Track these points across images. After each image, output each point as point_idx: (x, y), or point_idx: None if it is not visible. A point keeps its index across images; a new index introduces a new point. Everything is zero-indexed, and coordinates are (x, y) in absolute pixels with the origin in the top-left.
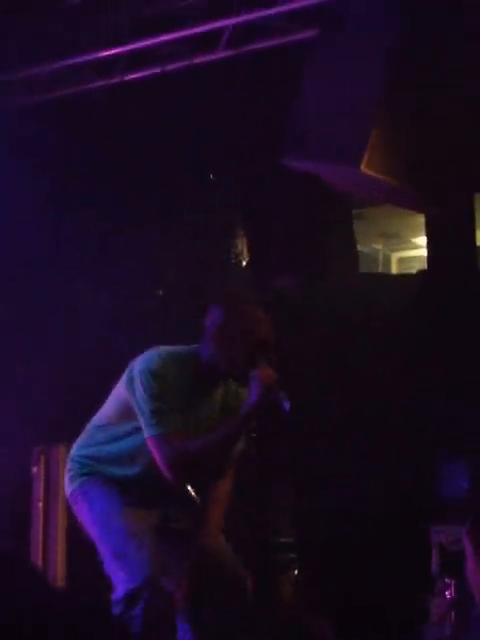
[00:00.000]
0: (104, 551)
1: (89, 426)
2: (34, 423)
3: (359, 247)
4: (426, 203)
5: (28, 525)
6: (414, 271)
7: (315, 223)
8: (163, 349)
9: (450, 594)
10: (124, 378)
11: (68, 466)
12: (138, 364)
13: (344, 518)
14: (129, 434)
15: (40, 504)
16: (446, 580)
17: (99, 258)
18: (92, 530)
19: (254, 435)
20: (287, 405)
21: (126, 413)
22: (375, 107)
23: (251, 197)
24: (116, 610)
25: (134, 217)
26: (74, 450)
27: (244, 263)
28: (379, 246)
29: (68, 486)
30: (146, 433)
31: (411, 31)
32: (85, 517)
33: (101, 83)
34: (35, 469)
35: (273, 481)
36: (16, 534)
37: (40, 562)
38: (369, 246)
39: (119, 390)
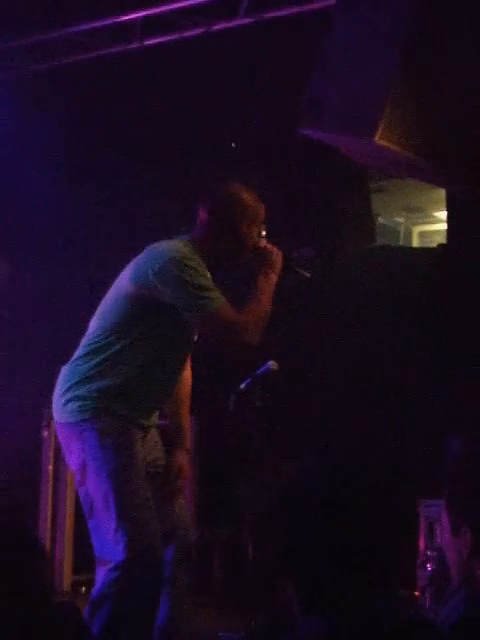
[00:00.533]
0: (106, 508)
1: (82, 355)
2: (48, 388)
3: (380, 220)
4: (443, 177)
5: (37, 488)
6: (434, 245)
7: (332, 194)
8: (171, 242)
9: (431, 566)
10: (134, 276)
11: (72, 394)
12: (160, 258)
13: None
14: (142, 337)
15: (50, 467)
16: (428, 553)
17: (116, 229)
18: (99, 481)
19: (259, 404)
20: (307, 274)
21: (139, 313)
22: (392, 79)
23: (268, 167)
24: (111, 574)
25: (151, 187)
26: (72, 378)
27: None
28: (401, 219)
29: (75, 414)
30: (201, 312)
31: (430, 3)
32: (92, 460)
33: (119, 48)
34: (45, 433)
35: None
36: (25, 497)
37: (48, 525)
38: (391, 219)
39: (126, 292)
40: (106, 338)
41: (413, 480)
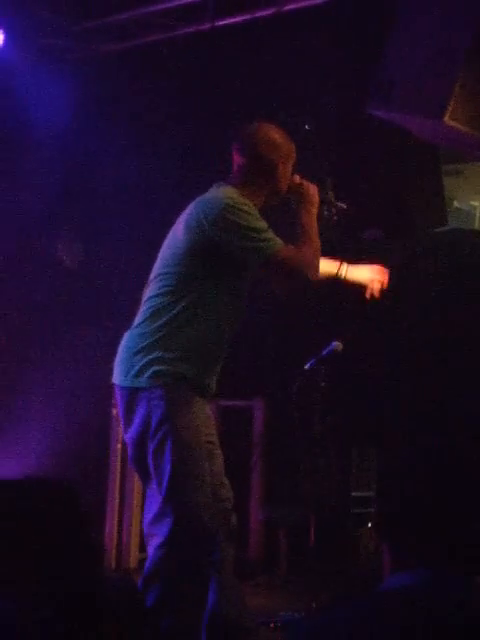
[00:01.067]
0: (160, 480)
1: (146, 318)
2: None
3: (456, 204)
4: None
5: (106, 467)
6: None
7: (402, 176)
8: (219, 190)
9: None
10: (188, 231)
11: (143, 358)
12: (214, 207)
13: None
14: (203, 293)
15: (118, 446)
16: None
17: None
18: (160, 452)
19: (323, 385)
20: (343, 205)
21: (198, 268)
22: (462, 59)
23: (340, 149)
24: (158, 552)
25: (222, 168)
26: (140, 342)
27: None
28: (476, 203)
29: (146, 379)
30: (263, 255)
31: None
32: (156, 430)
33: (191, 29)
34: (115, 411)
35: (354, 436)
36: (95, 476)
37: (117, 503)
38: (466, 203)
39: (182, 249)
40: (168, 299)
41: None
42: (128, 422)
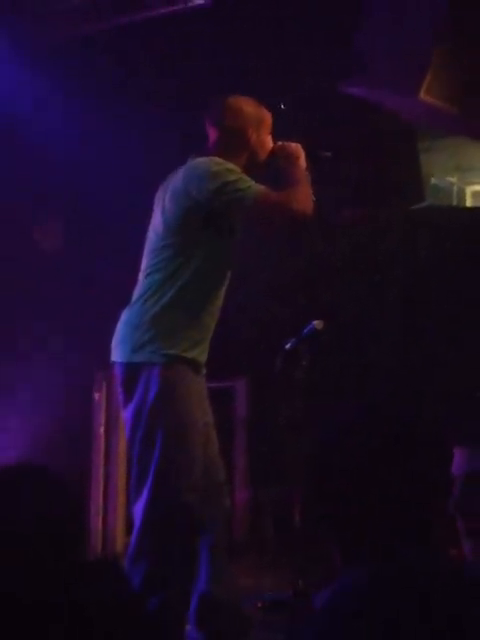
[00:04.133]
0: (148, 460)
1: (146, 294)
2: (98, 350)
3: (433, 180)
4: None
5: (89, 451)
6: None
7: (379, 153)
8: (198, 159)
9: None
10: (176, 202)
11: (143, 334)
12: (198, 172)
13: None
14: (200, 263)
15: (101, 429)
16: None
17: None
18: (150, 431)
19: (305, 364)
20: (328, 153)
21: (194, 237)
22: (437, 35)
23: (315, 126)
24: (139, 533)
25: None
26: (141, 317)
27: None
28: (453, 179)
29: (145, 355)
30: (249, 200)
31: None
32: (150, 408)
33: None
34: (97, 395)
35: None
36: (79, 461)
37: (101, 487)
38: (443, 179)
39: (175, 221)
40: (165, 274)
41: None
42: (127, 399)
